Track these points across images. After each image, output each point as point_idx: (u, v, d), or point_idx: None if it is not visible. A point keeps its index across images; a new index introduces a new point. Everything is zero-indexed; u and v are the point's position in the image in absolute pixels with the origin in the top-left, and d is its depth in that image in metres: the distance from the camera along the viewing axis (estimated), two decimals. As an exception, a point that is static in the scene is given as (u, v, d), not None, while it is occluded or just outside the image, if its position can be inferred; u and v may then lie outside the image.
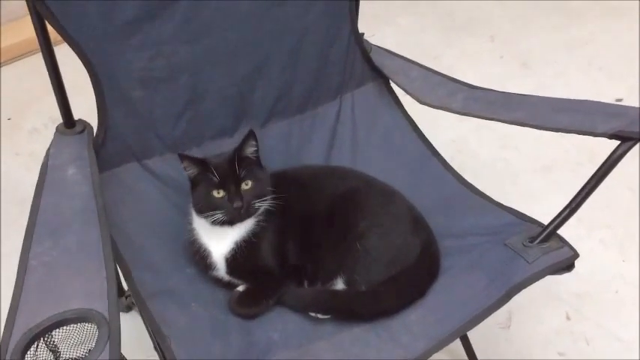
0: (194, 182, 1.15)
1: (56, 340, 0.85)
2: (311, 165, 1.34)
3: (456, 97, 1.32)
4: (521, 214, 1.24)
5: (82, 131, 1.19)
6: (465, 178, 1.36)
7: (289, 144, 1.39)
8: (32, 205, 1.02)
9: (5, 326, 0.83)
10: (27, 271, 0.91)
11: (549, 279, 1.10)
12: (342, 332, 1.08)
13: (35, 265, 0.92)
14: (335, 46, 1.38)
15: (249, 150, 1.15)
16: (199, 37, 1.21)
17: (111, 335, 0.81)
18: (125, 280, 1.12)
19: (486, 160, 2.15)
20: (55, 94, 1.15)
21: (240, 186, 1.12)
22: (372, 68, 1.44)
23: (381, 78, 1.45)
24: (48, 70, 1.12)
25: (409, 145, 1.43)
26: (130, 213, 1.21)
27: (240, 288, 1.17)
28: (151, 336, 1.06)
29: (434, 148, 1.42)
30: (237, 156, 1.13)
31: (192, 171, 1.13)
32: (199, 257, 1.17)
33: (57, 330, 0.84)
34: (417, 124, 1.46)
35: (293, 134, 1.39)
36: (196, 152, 1.29)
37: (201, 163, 1.13)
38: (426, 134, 1.42)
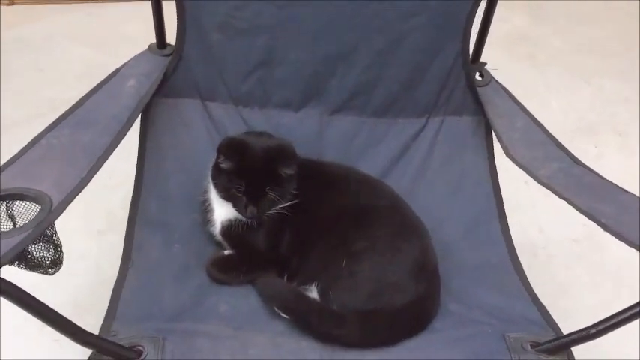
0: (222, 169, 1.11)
1: (16, 211, 0.92)
2: (353, 169, 1.26)
3: (548, 165, 1.15)
4: (548, 314, 1.06)
5: (168, 55, 1.26)
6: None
7: (352, 143, 1.32)
8: (80, 98, 1.11)
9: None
10: (33, 146, 0.99)
11: None
12: (288, 337, 1.02)
13: (42, 144, 1.00)
14: (436, 62, 1.27)
15: (286, 171, 1.10)
16: (289, 3, 1.19)
17: (41, 223, 0.86)
18: (132, 196, 1.18)
19: (614, 258, 1.83)
20: (153, 17, 1.23)
21: (262, 199, 1.08)
22: (475, 101, 1.30)
23: (483, 115, 1.30)
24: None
25: (480, 197, 1.28)
26: (173, 142, 1.26)
27: (226, 252, 1.16)
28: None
29: (503, 209, 1.26)
30: (271, 172, 1.09)
31: (226, 165, 1.09)
32: (204, 208, 1.18)
33: (19, 202, 0.92)
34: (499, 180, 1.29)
35: (360, 135, 1.32)
36: (258, 114, 1.29)
37: (237, 163, 1.08)
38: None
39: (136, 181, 1.19)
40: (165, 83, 1.24)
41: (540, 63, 2.55)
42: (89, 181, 0.96)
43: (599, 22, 2.88)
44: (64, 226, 1.64)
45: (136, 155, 1.22)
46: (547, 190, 1.06)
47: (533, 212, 1.89)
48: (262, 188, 1.07)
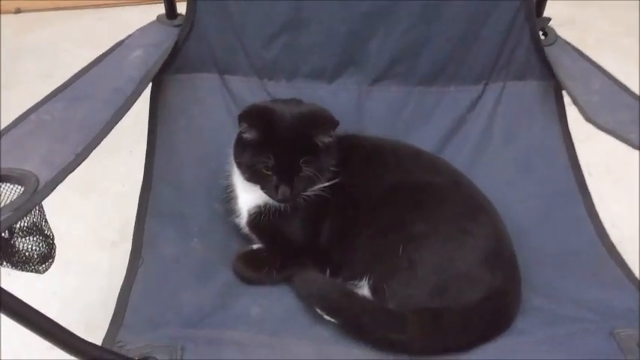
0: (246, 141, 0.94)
1: (2, 194, 0.75)
2: (402, 142, 1.06)
3: (640, 129, 0.94)
4: (663, 305, 0.84)
5: (179, 26, 1.09)
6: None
7: (399, 116, 1.13)
8: (80, 70, 0.97)
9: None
10: (21, 122, 0.84)
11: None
12: (336, 344, 0.83)
13: (32, 119, 0.85)
14: (493, 17, 1.08)
15: (323, 139, 0.92)
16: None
17: (22, 206, 0.68)
18: (142, 186, 1.00)
19: None
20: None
21: (296, 176, 0.91)
22: (542, 63, 1.11)
23: (552, 79, 1.11)
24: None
25: (554, 171, 1.09)
26: (188, 123, 1.09)
27: (255, 246, 0.98)
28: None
29: (585, 184, 1.06)
30: (305, 141, 0.91)
31: (250, 135, 0.92)
32: (227, 196, 1.01)
33: (3, 184, 0.75)
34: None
35: (407, 107, 1.13)
36: (285, 87, 1.11)
37: (264, 132, 0.91)
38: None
39: (145, 168, 1.03)
40: (177, 57, 1.08)
41: (590, 47, 2.32)
42: (85, 159, 0.79)
43: (646, 4, 2.69)
44: (74, 238, 1.51)
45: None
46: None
47: (601, 205, 1.67)
48: (296, 162, 0.88)
